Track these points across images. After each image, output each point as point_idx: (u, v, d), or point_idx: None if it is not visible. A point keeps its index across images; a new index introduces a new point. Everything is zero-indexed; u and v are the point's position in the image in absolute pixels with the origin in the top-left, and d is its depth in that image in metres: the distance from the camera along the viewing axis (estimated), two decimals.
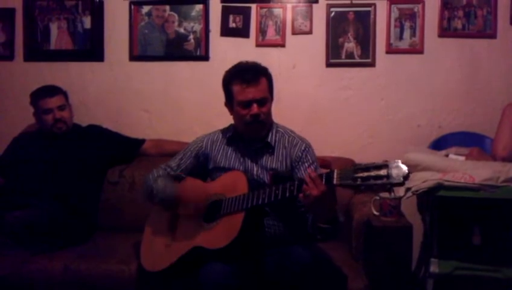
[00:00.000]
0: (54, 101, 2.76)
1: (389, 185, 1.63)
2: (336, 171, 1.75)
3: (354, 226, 2.42)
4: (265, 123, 2.18)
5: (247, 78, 2.12)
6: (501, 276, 2.26)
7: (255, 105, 2.11)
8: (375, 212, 2.30)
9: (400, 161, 1.62)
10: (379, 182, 1.63)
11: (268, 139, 2.21)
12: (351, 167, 1.72)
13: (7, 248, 2.38)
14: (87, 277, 2.28)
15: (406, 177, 1.60)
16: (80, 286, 2.28)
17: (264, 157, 2.20)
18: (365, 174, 1.66)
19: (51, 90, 2.80)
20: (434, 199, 2.31)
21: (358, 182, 1.67)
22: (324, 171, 1.86)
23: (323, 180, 1.78)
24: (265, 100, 2.15)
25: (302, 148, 2.20)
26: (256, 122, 2.14)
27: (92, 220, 2.77)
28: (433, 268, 2.31)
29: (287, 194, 1.87)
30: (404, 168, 1.61)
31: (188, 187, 2.19)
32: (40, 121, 2.80)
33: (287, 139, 2.23)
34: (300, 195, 1.81)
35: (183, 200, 2.12)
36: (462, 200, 2.26)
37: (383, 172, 1.63)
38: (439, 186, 2.25)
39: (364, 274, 2.23)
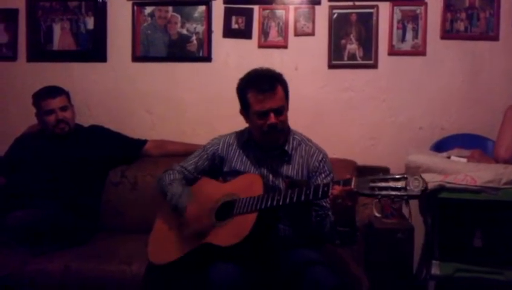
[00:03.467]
0: (56, 102, 2.76)
1: (406, 196, 1.63)
2: (354, 178, 1.74)
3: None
4: (283, 132, 2.15)
5: (263, 88, 2.08)
6: (502, 278, 2.26)
7: (272, 115, 2.08)
8: (377, 214, 2.30)
9: (419, 175, 1.62)
10: (396, 193, 1.63)
11: (286, 147, 2.18)
12: (369, 176, 1.72)
13: (9, 248, 2.39)
14: (88, 277, 2.28)
15: (424, 190, 1.60)
16: (80, 287, 2.29)
17: (280, 165, 2.18)
18: (383, 184, 1.66)
19: (53, 91, 2.80)
20: (436, 201, 2.31)
21: (376, 191, 1.67)
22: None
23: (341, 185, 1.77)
24: (282, 109, 2.12)
25: (320, 158, 2.18)
26: (273, 132, 2.11)
27: (94, 220, 2.77)
28: (435, 270, 2.31)
29: (303, 198, 1.85)
30: (423, 181, 1.61)
31: (202, 186, 2.20)
32: (42, 121, 2.80)
33: (304, 149, 2.20)
34: (331, 197, 1.79)
35: (198, 199, 2.13)
36: (463, 202, 2.26)
37: (401, 184, 1.63)
38: (441, 188, 2.25)
39: (366, 276, 2.22)
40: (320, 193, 1.82)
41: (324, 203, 2.05)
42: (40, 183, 2.67)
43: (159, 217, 2.30)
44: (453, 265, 2.30)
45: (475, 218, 2.32)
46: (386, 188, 1.65)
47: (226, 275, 1.87)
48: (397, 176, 1.65)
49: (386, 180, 1.66)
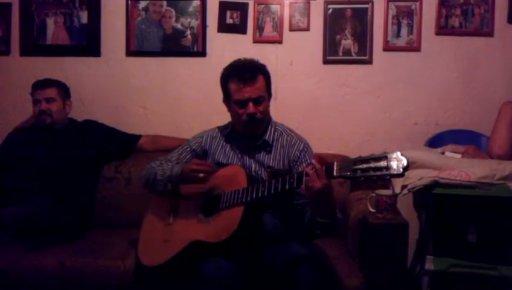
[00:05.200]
0: (43, 93, 2.78)
1: (388, 176, 1.63)
2: (335, 163, 1.76)
3: (350, 223, 2.43)
4: (262, 121, 2.18)
5: (243, 77, 2.12)
6: (496, 274, 2.26)
7: (251, 104, 2.12)
8: (371, 209, 2.30)
9: (399, 152, 1.62)
10: (378, 173, 1.64)
11: (266, 137, 2.21)
12: (350, 159, 1.73)
13: (3, 244, 2.37)
14: (83, 272, 2.28)
15: (406, 168, 1.61)
16: (75, 282, 2.28)
17: (262, 155, 2.21)
18: (365, 165, 1.67)
19: (45, 83, 2.82)
20: (430, 197, 2.31)
21: (358, 173, 1.68)
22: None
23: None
24: (262, 99, 2.15)
25: (301, 148, 2.20)
26: (252, 120, 2.14)
27: (88, 216, 2.77)
28: (429, 265, 2.31)
29: (287, 187, 1.86)
30: (404, 159, 1.61)
31: (186, 182, 2.19)
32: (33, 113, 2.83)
33: (285, 139, 2.23)
34: (302, 187, 1.81)
35: (183, 193, 2.14)
36: (457, 198, 2.25)
37: (382, 163, 1.63)
38: (435, 184, 2.25)
39: (360, 271, 2.23)
40: (303, 179, 1.83)
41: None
42: (33, 178, 2.66)
43: (146, 220, 2.32)
44: (447, 260, 2.30)
45: (469, 214, 2.32)
46: (367, 170, 1.66)
47: (218, 269, 1.89)
48: (378, 156, 1.65)
49: (368, 161, 1.67)
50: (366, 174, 1.66)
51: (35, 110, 2.78)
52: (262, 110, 2.15)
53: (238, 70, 2.16)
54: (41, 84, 2.81)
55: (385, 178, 1.65)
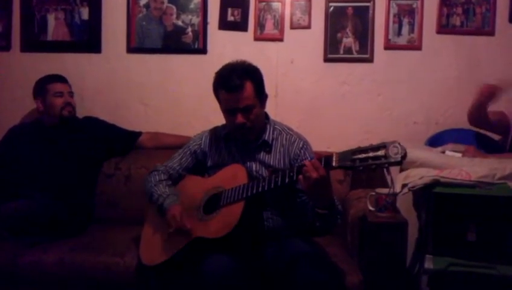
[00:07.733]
0: (64, 86, 2.84)
1: (387, 164, 1.65)
2: (334, 153, 1.77)
3: (350, 222, 2.43)
4: (253, 129, 2.15)
5: (230, 86, 2.07)
6: (495, 273, 2.27)
7: (239, 115, 2.08)
8: (371, 208, 2.30)
9: (397, 141, 1.63)
10: (377, 162, 1.65)
11: (265, 138, 2.20)
12: (349, 150, 1.74)
13: (3, 239, 2.38)
14: (83, 268, 2.28)
15: (404, 156, 1.62)
16: (75, 278, 2.28)
17: (262, 155, 2.20)
18: (363, 155, 1.68)
19: (61, 77, 2.87)
20: (430, 196, 2.31)
21: (357, 163, 1.69)
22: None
23: (323, 163, 1.79)
24: (251, 107, 2.10)
25: (300, 145, 2.20)
26: (242, 129, 2.12)
27: (88, 212, 2.77)
28: (428, 264, 2.31)
29: (287, 180, 1.87)
30: (402, 147, 1.62)
31: (188, 184, 2.22)
32: (48, 105, 2.80)
33: (284, 137, 2.22)
34: (300, 177, 1.81)
35: (183, 197, 2.15)
36: (458, 197, 2.26)
37: (380, 152, 1.65)
38: (436, 183, 2.25)
39: (359, 269, 2.23)
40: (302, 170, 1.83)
41: None
42: (34, 174, 2.66)
43: (148, 219, 2.32)
44: (447, 259, 2.30)
45: (469, 213, 2.32)
46: (366, 159, 1.67)
47: (219, 265, 1.89)
48: (376, 146, 1.67)
49: (366, 151, 1.68)
50: (365, 163, 1.67)
51: (59, 102, 2.78)
52: (252, 118, 2.11)
53: (224, 79, 2.10)
54: (60, 78, 2.85)
55: (384, 167, 1.67)
